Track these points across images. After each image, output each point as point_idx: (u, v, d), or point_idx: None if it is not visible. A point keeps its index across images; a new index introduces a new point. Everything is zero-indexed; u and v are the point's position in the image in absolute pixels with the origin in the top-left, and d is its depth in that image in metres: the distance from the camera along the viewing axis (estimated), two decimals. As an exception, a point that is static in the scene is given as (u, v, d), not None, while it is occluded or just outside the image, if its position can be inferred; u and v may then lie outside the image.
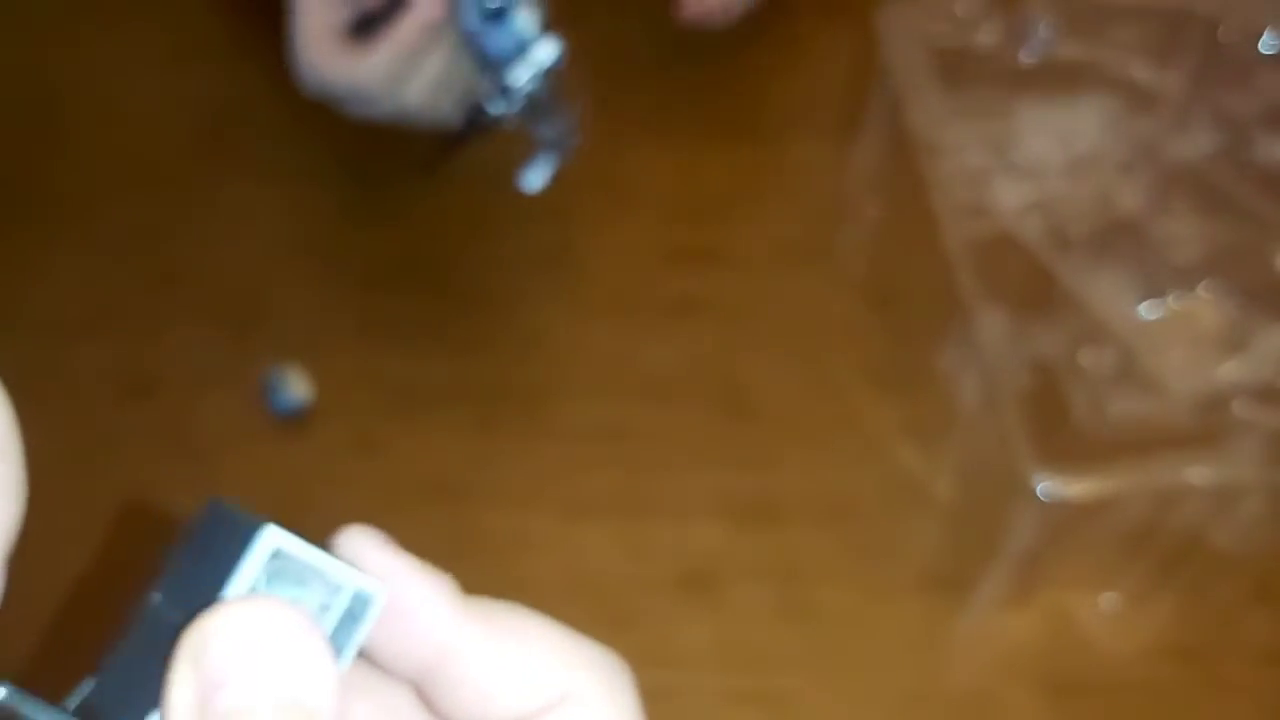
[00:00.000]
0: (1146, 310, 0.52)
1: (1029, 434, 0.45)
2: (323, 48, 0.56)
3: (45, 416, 0.66)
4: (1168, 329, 0.52)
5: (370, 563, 0.20)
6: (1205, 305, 0.53)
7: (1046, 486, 0.44)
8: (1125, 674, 0.51)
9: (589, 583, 0.53)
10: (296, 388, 0.58)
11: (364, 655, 0.21)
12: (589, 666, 0.20)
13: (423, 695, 0.21)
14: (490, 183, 0.67)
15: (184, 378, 0.61)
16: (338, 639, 0.20)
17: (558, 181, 0.66)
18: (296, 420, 0.58)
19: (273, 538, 0.20)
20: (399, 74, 0.55)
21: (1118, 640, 0.52)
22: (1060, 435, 0.48)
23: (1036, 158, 0.55)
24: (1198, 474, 0.45)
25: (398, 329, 0.63)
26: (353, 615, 0.20)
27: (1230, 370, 0.48)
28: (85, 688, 0.20)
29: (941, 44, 0.59)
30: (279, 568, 0.20)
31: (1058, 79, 0.59)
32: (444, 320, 0.63)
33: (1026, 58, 0.60)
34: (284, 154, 0.70)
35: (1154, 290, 0.53)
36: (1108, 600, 0.53)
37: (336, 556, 0.20)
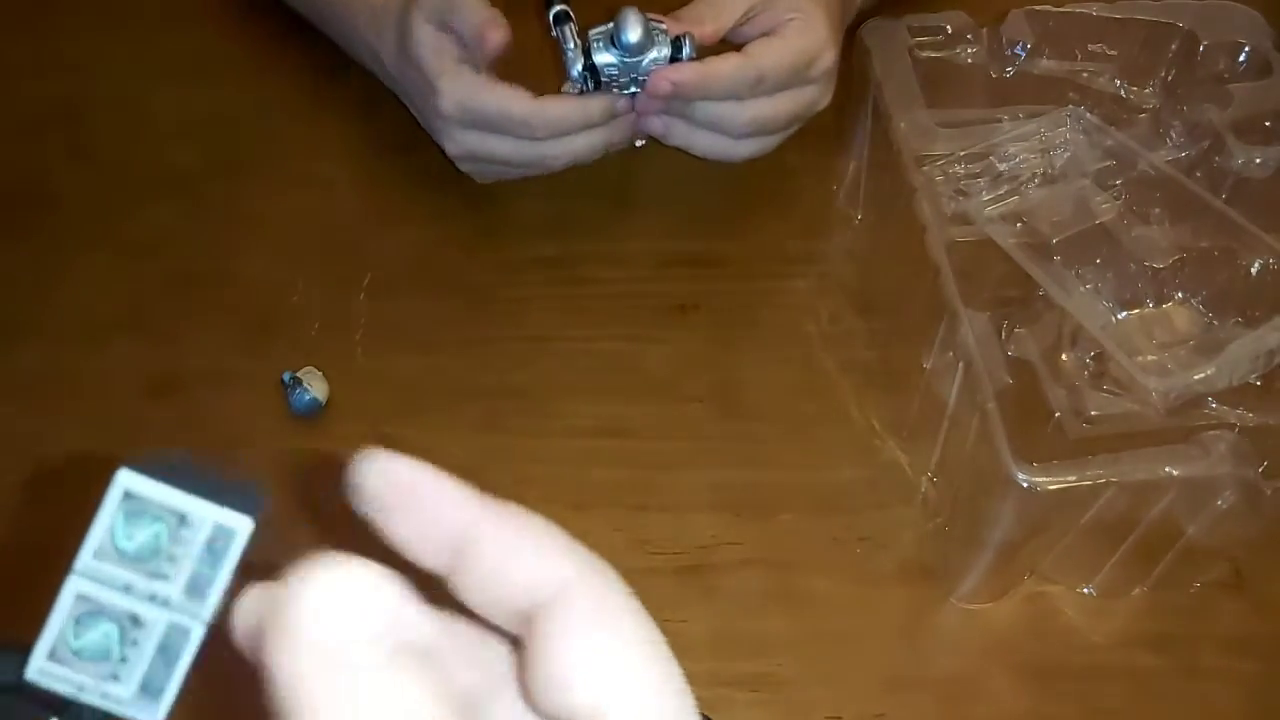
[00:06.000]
0: (1123, 314, 0.52)
1: (1010, 431, 0.45)
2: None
3: (76, 412, 0.68)
4: (1143, 332, 0.52)
5: (390, 473, 0.22)
6: (1179, 310, 0.53)
7: (1027, 480, 0.44)
8: (1104, 661, 0.51)
9: (592, 572, 0.54)
10: (313, 386, 0.59)
11: (400, 549, 0.22)
12: (587, 562, 0.22)
13: (453, 587, 0.22)
14: (496, 191, 0.67)
15: (207, 377, 0.61)
16: (201, 568, 0.21)
17: (561, 192, 0.67)
18: (314, 417, 0.59)
19: (125, 480, 0.20)
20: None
21: (1096, 629, 0.52)
22: (1040, 432, 0.47)
23: (1017, 167, 0.55)
24: (1172, 470, 0.45)
25: (409, 330, 0.63)
26: (215, 548, 0.21)
27: (1203, 372, 0.48)
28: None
29: (926, 59, 0.59)
30: (134, 508, 0.20)
31: (1037, 91, 0.59)
32: (453, 322, 0.63)
33: (1007, 71, 0.60)
34: (299, 164, 0.71)
35: (1130, 295, 0.53)
36: (1086, 590, 0.53)
37: (205, 491, 0.21)
